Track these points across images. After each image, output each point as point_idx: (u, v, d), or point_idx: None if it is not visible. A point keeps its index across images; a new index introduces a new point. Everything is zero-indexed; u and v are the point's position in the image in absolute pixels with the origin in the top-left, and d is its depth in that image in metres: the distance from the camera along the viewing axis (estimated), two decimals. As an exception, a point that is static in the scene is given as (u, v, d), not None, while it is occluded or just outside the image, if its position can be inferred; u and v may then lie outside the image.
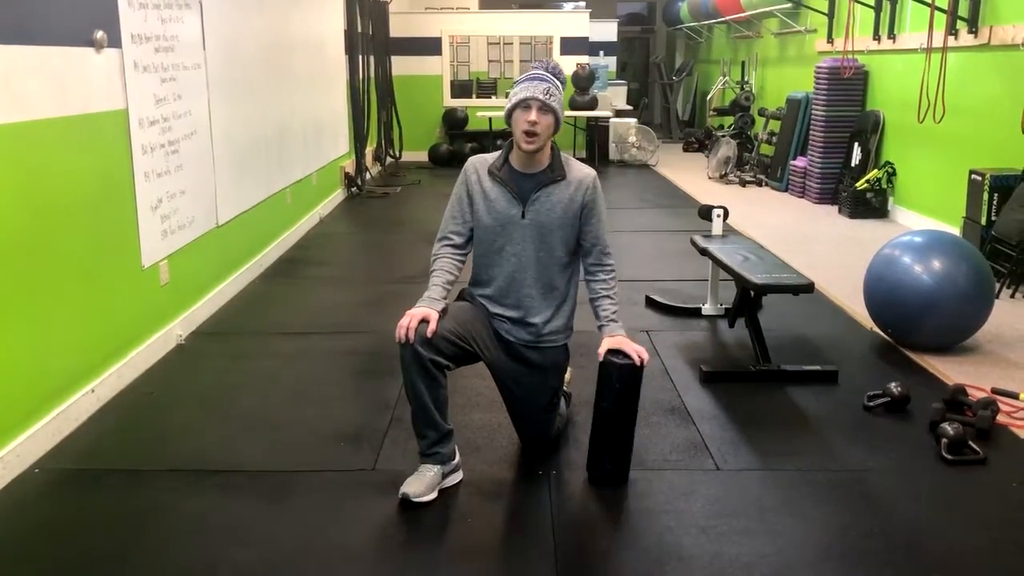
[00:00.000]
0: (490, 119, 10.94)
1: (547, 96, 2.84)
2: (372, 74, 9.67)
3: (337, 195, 8.51)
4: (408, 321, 2.74)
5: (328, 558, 2.52)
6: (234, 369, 4.04)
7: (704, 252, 4.63)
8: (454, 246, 3.03)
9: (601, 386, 2.89)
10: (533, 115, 2.82)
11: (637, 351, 2.85)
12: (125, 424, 3.42)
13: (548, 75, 2.92)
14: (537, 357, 3.02)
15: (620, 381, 2.85)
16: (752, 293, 4.03)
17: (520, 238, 2.94)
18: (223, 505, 2.81)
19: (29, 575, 2.44)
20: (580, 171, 3.00)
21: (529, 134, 2.84)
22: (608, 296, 3.00)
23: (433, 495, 2.81)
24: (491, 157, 3.03)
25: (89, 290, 3.51)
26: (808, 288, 3.88)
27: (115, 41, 3.71)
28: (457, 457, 2.94)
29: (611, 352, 2.88)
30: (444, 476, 2.87)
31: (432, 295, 2.88)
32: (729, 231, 5.15)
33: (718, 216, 4.89)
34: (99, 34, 3.56)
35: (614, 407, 2.87)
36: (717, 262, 4.45)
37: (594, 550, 2.57)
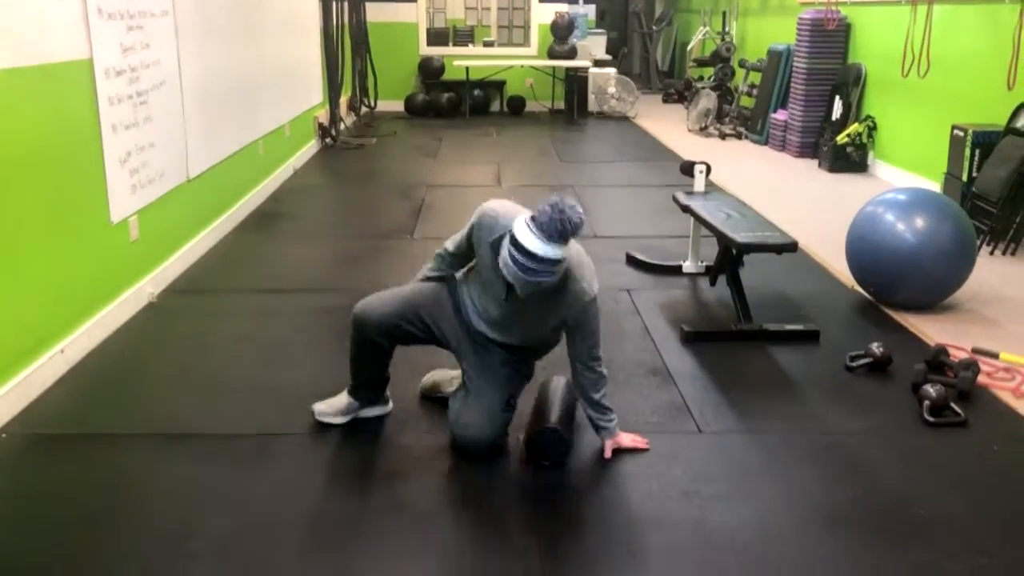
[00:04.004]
0: (467, 68, 10.73)
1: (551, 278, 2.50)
2: (346, 21, 9.43)
3: (311, 146, 8.34)
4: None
5: (304, 522, 2.47)
6: (207, 328, 3.95)
7: (686, 209, 4.56)
8: (449, 265, 2.95)
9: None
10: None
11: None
12: (96, 386, 3.34)
13: (560, 254, 2.44)
14: (505, 352, 2.86)
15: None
16: (735, 252, 3.98)
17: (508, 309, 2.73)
18: (197, 469, 2.75)
19: (-3, 544, 2.38)
20: (576, 285, 2.63)
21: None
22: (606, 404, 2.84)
23: (342, 419, 3.00)
24: (500, 227, 2.61)
25: (55, 247, 3.40)
26: (792, 247, 3.84)
27: (77, -13, 3.55)
28: (388, 404, 3.10)
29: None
30: (360, 409, 3.03)
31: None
32: (711, 187, 5.08)
33: (700, 172, 4.83)
34: (60, -21, 3.40)
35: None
36: (700, 219, 4.39)
37: (575, 518, 2.54)
